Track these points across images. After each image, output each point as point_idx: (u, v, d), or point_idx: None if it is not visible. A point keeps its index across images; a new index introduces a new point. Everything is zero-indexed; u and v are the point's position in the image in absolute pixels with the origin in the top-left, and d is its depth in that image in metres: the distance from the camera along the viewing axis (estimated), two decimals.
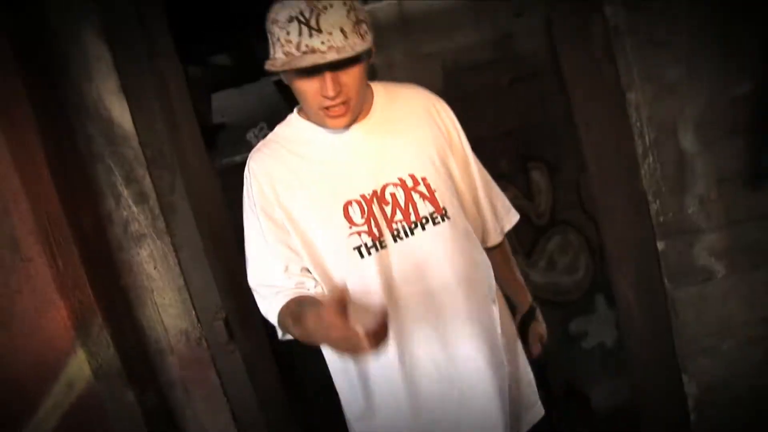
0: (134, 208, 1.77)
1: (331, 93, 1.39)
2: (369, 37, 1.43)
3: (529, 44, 4.21)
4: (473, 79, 4.53)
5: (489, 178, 1.72)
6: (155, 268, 1.80)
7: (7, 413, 1.70)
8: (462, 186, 1.63)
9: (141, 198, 1.77)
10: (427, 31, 4.63)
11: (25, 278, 1.60)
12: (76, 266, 1.67)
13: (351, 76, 1.42)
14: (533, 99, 4.05)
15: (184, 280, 1.81)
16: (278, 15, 1.38)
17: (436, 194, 1.53)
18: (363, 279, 1.53)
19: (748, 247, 1.68)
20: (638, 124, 1.63)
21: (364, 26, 1.42)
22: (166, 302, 1.83)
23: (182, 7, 2.40)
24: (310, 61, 1.34)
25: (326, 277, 1.55)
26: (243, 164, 1.57)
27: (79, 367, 1.67)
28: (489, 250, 1.71)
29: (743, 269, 1.70)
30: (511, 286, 1.81)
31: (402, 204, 1.53)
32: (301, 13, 1.35)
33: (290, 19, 1.36)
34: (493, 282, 1.66)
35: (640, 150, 1.64)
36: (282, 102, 5.29)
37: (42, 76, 1.71)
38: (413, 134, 1.58)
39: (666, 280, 1.72)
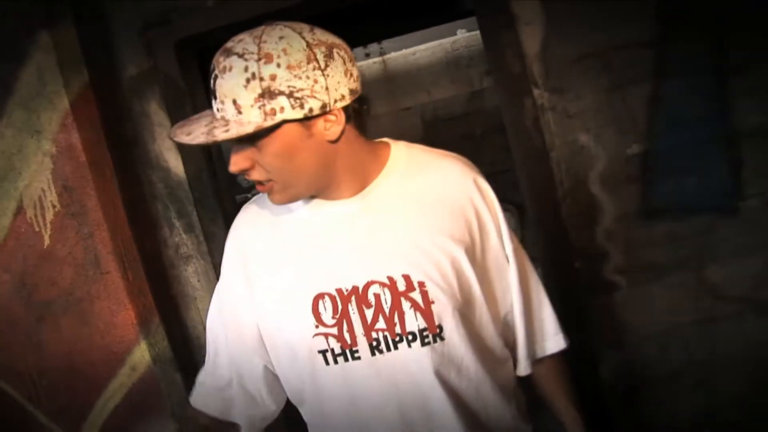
0: (184, 236, 2.21)
1: (231, 167, 1.13)
2: (289, 113, 1.06)
3: (496, 100, 4.57)
4: (450, 130, 4.90)
5: (538, 289, 1.36)
6: (198, 281, 2.23)
7: (84, 390, 2.05)
8: (486, 298, 1.25)
9: (189, 228, 2.20)
10: (408, 86, 5.01)
11: (103, 287, 1.98)
12: (141, 278, 2.05)
13: (265, 154, 1.11)
14: (502, 147, 4.18)
15: None
16: None
17: (433, 307, 1.17)
18: (322, 391, 1.24)
19: (643, 267, 2.13)
20: (559, 175, 2.07)
21: (282, 100, 1.06)
22: (206, 308, 2.12)
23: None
24: (182, 134, 1.10)
25: (284, 376, 1.29)
26: None
27: (141, 355, 2.01)
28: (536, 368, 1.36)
29: (640, 283, 2.14)
30: (559, 413, 1.39)
31: (386, 310, 1.18)
32: (214, 67, 1.09)
33: (211, 71, 1.10)
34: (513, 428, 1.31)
35: (560, 194, 2.08)
36: None
37: (120, 138, 2.15)
38: (426, 222, 1.21)
39: (581, 292, 2.16)
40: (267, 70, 1.05)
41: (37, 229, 1.97)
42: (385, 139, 1.31)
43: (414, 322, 1.17)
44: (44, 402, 2.06)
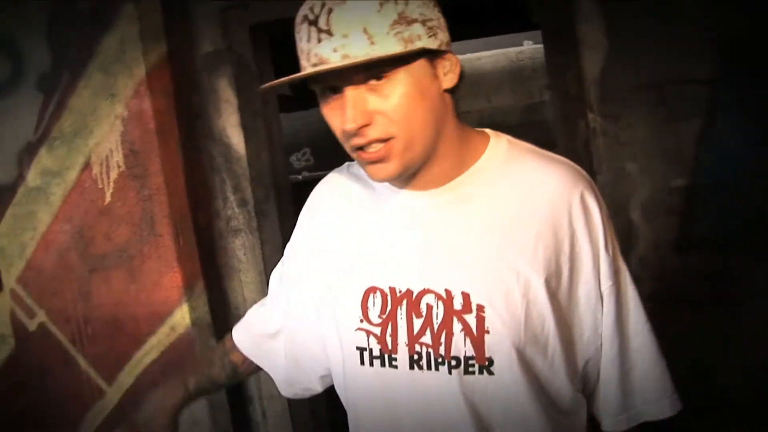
0: (236, 210, 2.31)
1: (349, 122, 0.94)
2: (425, 41, 0.96)
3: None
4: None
5: (644, 340, 1.11)
6: (244, 254, 2.33)
7: (124, 342, 2.16)
8: (562, 339, 1.06)
9: (242, 203, 2.31)
10: (469, 90, 5.05)
11: (155, 248, 2.09)
12: (191, 245, 2.15)
13: (390, 97, 0.95)
14: None
15: (264, 267, 2.30)
16: (297, 17, 0.99)
17: (487, 337, 1.01)
18: (352, 389, 1.15)
19: (674, 298, 2.13)
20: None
21: (417, 27, 0.95)
22: (248, 281, 2.33)
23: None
24: (305, 74, 0.94)
25: (331, 360, 1.21)
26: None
27: (181, 316, 2.11)
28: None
29: (669, 314, 2.08)
30: None
31: (435, 326, 1.04)
32: (311, 10, 0.95)
33: (302, 20, 0.96)
34: None
35: None
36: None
37: (188, 110, 2.25)
38: (507, 237, 1.04)
39: None
40: None
41: (100, 186, 2.09)
42: (485, 130, 1.15)
43: (461, 347, 1.02)
44: (86, 347, 2.18)
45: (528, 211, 1.04)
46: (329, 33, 0.92)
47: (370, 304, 1.08)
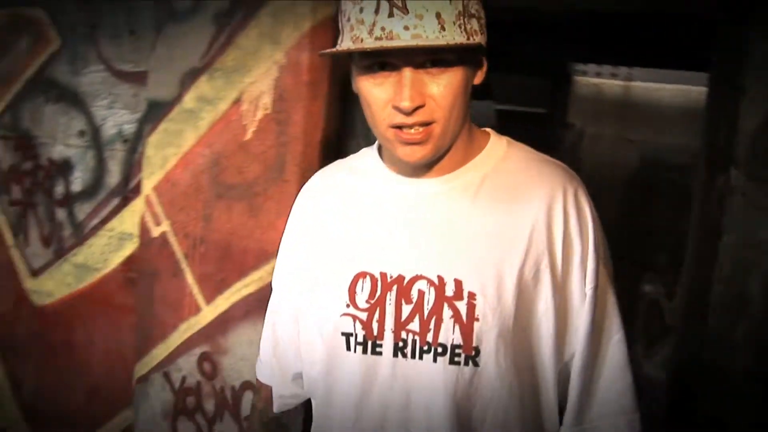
0: None
1: (406, 101, 0.95)
2: (480, 37, 1.01)
3: None
4: (663, 175, 4.66)
5: (615, 349, 1.13)
6: None
7: (230, 270, 2.26)
8: (555, 336, 1.09)
9: None
10: (640, 119, 4.85)
11: (279, 191, 2.17)
12: None
13: (443, 85, 0.99)
14: None
15: None
16: None
17: (476, 325, 1.03)
18: (335, 378, 1.14)
19: None
20: (724, 258, 2.01)
21: (474, 22, 1.00)
22: None
23: None
24: (375, 46, 0.94)
25: (306, 349, 1.21)
26: None
27: None
28: None
29: None
30: None
31: (425, 311, 1.06)
32: None
33: None
34: None
35: (716, 275, 2.02)
36: (497, 130, 5.67)
37: (340, 73, 2.19)
38: (502, 228, 1.07)
39: None
40: None
41: (244, 122, 2.22)
42: (487, 129, 1.20)
43: (449, 334, 1.04)
44: (196, 265, 2.34)
45: (523, 206, 1.08)
46: (404, 10, 0.94)
47: (358, 288, 1.10)
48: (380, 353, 1.08)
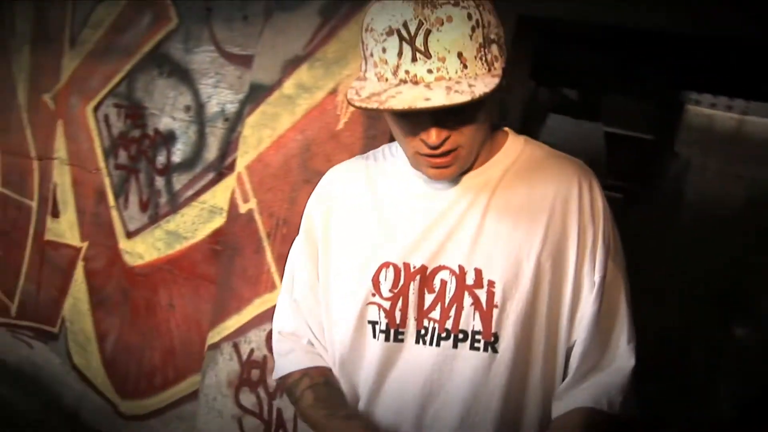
0: None
1: (434, 139, 1.00)
2: (499, 65, 1.01)
3: None
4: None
5: (616, 334, 1.16)
6: None
7: None
8: (569, 323, 1.14)
9: None
10: (751, 156, 4.65)
11: None
12: None
13: (468, 116, 1.02)
14: None
15: None
16: (375, 22, 0.99)
17: (495, 311, 1.09)
18: (361, 362, 1.19)
19: None
20: None
21: (494, 48, 1.00)
22: None
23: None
24: (405, 102, 0.94)
25: (331, 338, 1.24)
26: None
27: None
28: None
29: None
30: None
31: (446, 300, 1.11)
32: (405, 26, 0.95)
33: (389, 32, 0.96)
34: None
35: None
36: (604, 156, 5.56)
37: None
38: (520, 221, 1.12)
39: None
40: (485, 16, 0.99)
41: (337, 113, 2.29)
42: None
43: (470, 321, 1.09)
44: (276, 245, 2.42)
45: (540, 197, 1.13)
46: (426, 55, 0.96)
47: (381, 278, 1.14)
48: (402, 341, 1.14)
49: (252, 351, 2.44)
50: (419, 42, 0.96)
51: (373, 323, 1.15)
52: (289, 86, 2.38)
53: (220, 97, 2.69)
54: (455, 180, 1.15)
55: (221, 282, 2.56)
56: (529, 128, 5.15)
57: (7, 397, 3.60)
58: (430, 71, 0.96)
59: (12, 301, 3.60)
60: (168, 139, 2.86)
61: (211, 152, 2.72)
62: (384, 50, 0.98)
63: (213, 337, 2.58)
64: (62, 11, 3.29)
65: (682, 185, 4.98)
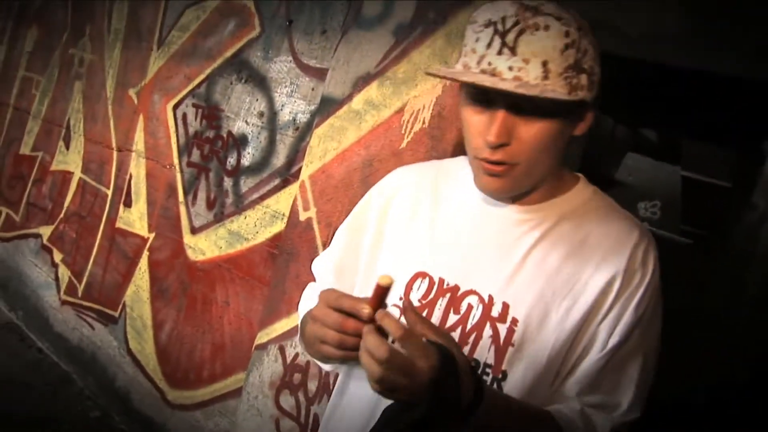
0: None
1: (492, 137, 1.00)
2: (585, 93, 1.01)
3: None
4: None
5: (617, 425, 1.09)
6: None
7: None
8: (567, 373, 1.10)
9: None
10: None
11: None
12: None
13: (533, 131, 1.01)
14: None
15: None
16: (479, 15, 1.02)
17: (510, 349, 1.08)
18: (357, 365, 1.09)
19: None
20: None
21: (583, 78, 1.00)
22: None
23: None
24: (476, 79, 0.96)
25: None
26: None
27: None
28: None
29: None
30: None
31: (468, 325, 1.10)
32: (502, 21, 0.97)
33: (487, 24, 0.98)
34: None
35: None
36: (679, 201, 5.44)
37: None
38: (563, 268, 1.10)
39: None
40: (584, 42, 0.99)
41: (402, 131, 2.33)
42: (578, 174, 1.22)
43: (485, 352, 1.08)
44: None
45: (590, 253, 1.10)
46: (513, 51, 0.96)
47: (415, 286, 1.14)
48: None
49: (296, 355, 2.50)
50: (510, 38, 0.97)
51: None
52: (358, 102, 2.44)
53: (293, 107, 2.78)
54: (511, 208, 1.14)
55: (274, 285, 2.63)
56: (607, 164, 5.11)
57: (68, 373, 3.77)
58: (510, 68, 0.96)
59: (80, 282, 3.77)
60: (240, 142, 2.97)
61: (279, 159, 2.81)
62: (477, 40, 1.00)
63: (261, 337, 2.65)
64: (154, 12, 3.46)
65: (756, 236, 4.81)
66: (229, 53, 3.06)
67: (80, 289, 3.77)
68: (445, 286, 1.13)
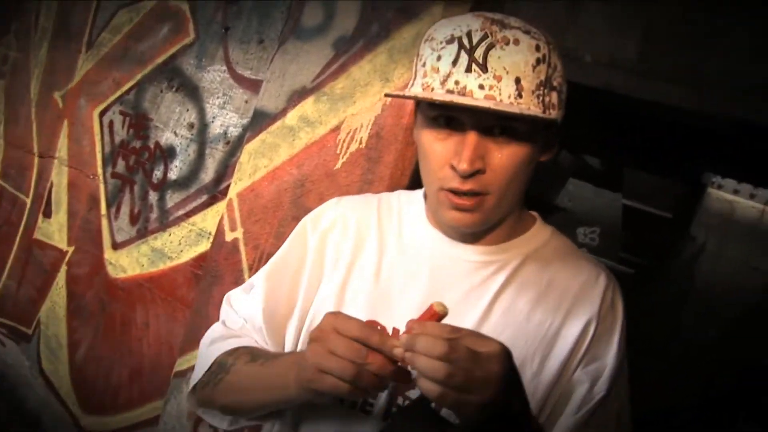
0: None
1: (465, 164, 0.91)
2: (556, 113, 0.95)
3: None
4: None
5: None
6: None
7: None
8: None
9: None
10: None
11: None
12: None
13: (506, 156, 0.93)
14: None
15: None
16: (437, 32, 0.95)
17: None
18: (309, 419, 1.06)
19: None
20: None
21: (554, 96, 0.94)
22: None
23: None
24: (451, 99, 0.89)
25: None
26: None
27: None
28: None
29: None
30: None
31: None
32: (468, 36, 0.90)
33: (450, 39, 0.92)
34: None
35: None
36: (619, 229, 5.41)
37: None
38: (532, 315, 1.02)
39: None
40: (554, 58, 0.93)
41: (337, 152, 2.20)
42: (533, 212, 1.15)
43: (454, 416, 0.94)
44: None
45: (559, 297, 1.03)
46: (483, 68, 0.89)
47: None
48: (369, 412, 1.01)
49: None
50: (479, 53, 0.90)
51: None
52: (292, 117, 2.30)
53: (225, 119, 2.62)
54: (473, 248, 1.06)
55: (196, 309, 2.46)
56: (548, 189, 5.08)
57: None
58: (481, 87, 0.90)
59: None
60: (167, 154, 2.79)
61: (208, 174, 2.64)
62: (439, 58, 0.93)
63: (181, 364, 2.47)
64: (85, 12, 3.25)
65: (693, 268, 4.84)
66: (160, 59, 2.87)
67: None
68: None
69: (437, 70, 0.93)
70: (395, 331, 0.99)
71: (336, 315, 0.86)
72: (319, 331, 0.85)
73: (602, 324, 1.04)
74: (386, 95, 1.03)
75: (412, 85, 0.99)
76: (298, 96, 2.30)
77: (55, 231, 3.23)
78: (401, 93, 0.97)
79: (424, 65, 0.96)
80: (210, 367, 1.14)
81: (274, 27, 2.50)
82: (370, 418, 1.01)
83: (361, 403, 1.01)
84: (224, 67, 2.64)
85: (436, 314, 0.85)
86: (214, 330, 1.26)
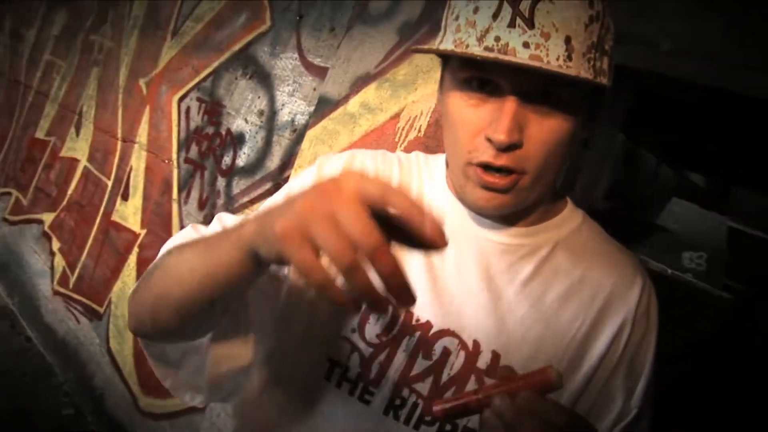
0: None
1: (502, 135, 0.76)
2: (607, 79, 0.81)
3: None
4: None
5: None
6: None
7: None
8: None
9: None
10: None
11: None
12: None
13: (548, 128, 0.80)
14: None
15: None
16: None
17: None
18: (306, 407, 0.91)
19: None
20: None
21: (606, 61, 0.80)
22: None
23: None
24: (490, 55, 0.75)
25: (264, 358, 0.95)
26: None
27: None
28: None
29: None
30: None
31: (443, 378, 0.87)
32: None
33: None
34: None
35: None
36: (726, 254, 5.10)
37: None
38: (561, 309, 0.89)
39: None
40: (608, 19, 0.80)
41: (396, 139, 2.12)
42: (565, 196, 1.01)
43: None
44: None
45: (594, 290, 0.90)
46: (529, 24, 0.75)
47: (372, 317, 0.88)
48: (368, 402, 0.87)
49: None
50: (524, 6, 0.76)
51: (335, 363, 0.88)
52: (354, 104, 2.24)
53: (293, 107, 2.59)
54: (500, 230, 0.91)
55: None
56: (648, 207, 4.82)
57: (51, 365, 3.63)
58: (526, 45, 0.75)
59: (72, 273, 3.64)
60: (237, 141, 2.79)
61: (273, 161, 2.62)
62: (476, 10, 0.78)
63: None
64: (174, 0, 3.32)
65: None
66: (237, 47, 2.89)
67: (72, 280, 3.64)
68: (413, 323, 0.88)
69: (473, 24, 0.78)
70: (504, 368, 0.81)
71: (363, 177, 0.61)
72: (333, 183, 0.61)
73: (636, 329, 0.90)
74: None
75: (441, 41, 0.84)
76: (361, 82, 2.24)
77: (130, 214, 3.30)
78: (433, 48, 0.82)
79: (456, 18, 0.81)
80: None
81: (345, 14, 2.45)
82: (368, 409, 0.88)
83: (362, 391, 0.88)
84: (296, 55, 2.61)
85: (548, 384, 0.72)
86: (176, 237, 1.00)
